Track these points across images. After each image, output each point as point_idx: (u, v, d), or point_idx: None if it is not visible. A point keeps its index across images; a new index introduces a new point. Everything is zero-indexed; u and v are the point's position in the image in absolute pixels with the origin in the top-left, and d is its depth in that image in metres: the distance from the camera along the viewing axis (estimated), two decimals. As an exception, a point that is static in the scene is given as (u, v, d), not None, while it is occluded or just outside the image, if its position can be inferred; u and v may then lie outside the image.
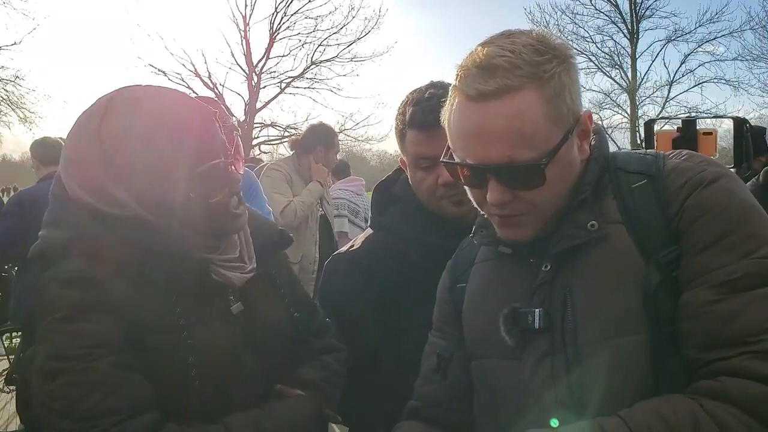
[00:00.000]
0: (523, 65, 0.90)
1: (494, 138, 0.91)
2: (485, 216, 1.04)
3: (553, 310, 0.96)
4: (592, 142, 1.02)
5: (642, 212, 0.94)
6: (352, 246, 1.58)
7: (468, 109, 0.93)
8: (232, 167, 1.11)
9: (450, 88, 1.01)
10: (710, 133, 2.35)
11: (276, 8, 19.15)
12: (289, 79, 19.74)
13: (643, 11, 18.17)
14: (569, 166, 0.96)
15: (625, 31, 18.34)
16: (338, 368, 1.33)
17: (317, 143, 3.83)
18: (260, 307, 1.20)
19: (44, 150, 3.83)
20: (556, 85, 0.92)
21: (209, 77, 19.03)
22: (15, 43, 15.87)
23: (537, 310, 0.96)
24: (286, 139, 16.84)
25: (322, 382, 1.27)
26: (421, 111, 1.39)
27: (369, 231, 1.59)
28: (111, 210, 1.05)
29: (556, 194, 0.96)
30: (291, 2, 19.11)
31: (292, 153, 3.97)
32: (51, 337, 0.98)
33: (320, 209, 4.00)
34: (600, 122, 16.21)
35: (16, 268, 4.26)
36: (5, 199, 6.64)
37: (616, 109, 19.43)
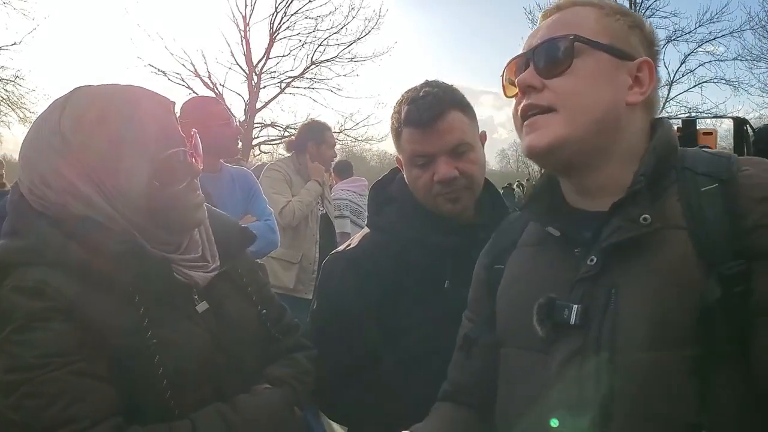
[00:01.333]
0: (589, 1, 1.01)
1: (542, 30, 1.00)
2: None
3: (592, 307, 0.90)
4: (656, 133, 0.98)
5: (709, 219, 0.87)
6: (349, 245, 1.57)
7: (540, 21, 1.04)
8: (193, 159, 1.11)
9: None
10: (710, 133, 2.35)
11: (276, 8, 19.15)
12: (289, 79, 19.73)
13: (643, 11, 18.12)
14: (608, 81, 0.95)
15: (625, 31, 18.33)
16: (308, 366, 1.32)
17: (308, 140, 3.83)
18: (226, 306, 1.19)
19: None
20: (622, 16, 1.00)
21: (209, 77, 19.02)
22: (15, 43, 15.86)
23: (575, 305, 0.91)
24: (286, 139, 16.81)
25: (291, 379, 1.26)
26: (417, 109, 1.40)
27: (366, 230, 1.59)
28: (72, 204, 1.03)
29: (586, 95, 0.94)
30: (291, 2, 19.11)
31: (291, 154, 3.98)
32: (6, 348, 0.96)
33: (321, 208, 3.99)
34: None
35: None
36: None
37: (616, 109, 19.32)
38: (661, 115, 1.05)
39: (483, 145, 1.51)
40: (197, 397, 1.09)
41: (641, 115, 0.99)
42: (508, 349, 1.05)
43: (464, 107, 1.44)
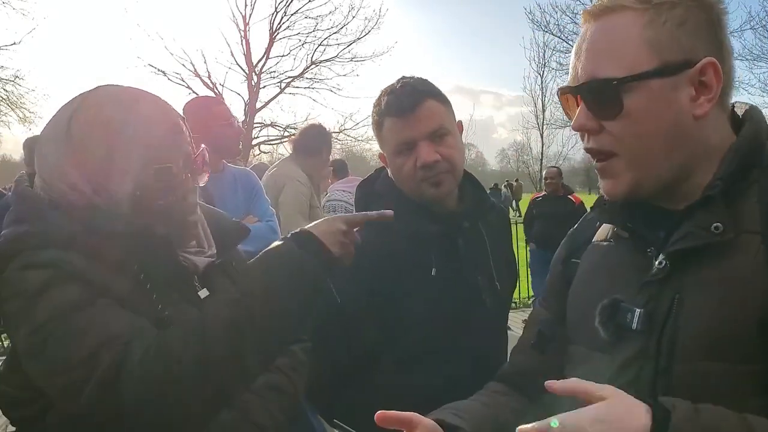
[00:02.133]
0: None
1: (585, 53, 0.90)
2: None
3: (656, 313, 0.86)
4: (743, 128, 0.90)
5: None
6: None
7: (582, 28, 0.93)
8: (188, 176, 1.11)
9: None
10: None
11: (276, 8, 19.16)
12: (289, 79, 19.75)
13: (643, 11, 18.15)
14: (666, 109, 0.85)
15: (625, 30, 18.34)
16: (303, 357, 1.33)
17: (323, 145, 3.78)
18: None
19: (29, 152, 3.80)
20: (667, 14, 0.86)
21: (209, 77, 19.04)
22: (15, 43, 15.88)
23: (638, 309, 0.86)
24: (286, 139, 16.82)
25: (288, 369, 1.27)
26: (396, 98, 1.46)
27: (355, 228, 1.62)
28: (70, 196, 1.05)
29: (645, 135, 0.86)
30: (291, 2, 19.12)
31: (292, 153, 3.91)
32: (22, 315, 0.97)
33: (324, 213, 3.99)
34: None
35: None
36: (5, 199, 6.60)
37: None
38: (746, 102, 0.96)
39: (461, 134, 1.57)
40: None
41: (716, 113, 0.89)
42: (575, 346, 1.01)
43: (440, 97, 1.51)
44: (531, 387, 1.07)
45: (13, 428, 1.12)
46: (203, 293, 1.16)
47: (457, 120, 1.57)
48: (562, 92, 0.95)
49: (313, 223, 1.12)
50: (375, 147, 1.66)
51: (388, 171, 1.57)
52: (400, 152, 1.48)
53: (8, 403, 1.10)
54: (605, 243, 1.03)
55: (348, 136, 19.97)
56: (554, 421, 0.76)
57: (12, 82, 16.83)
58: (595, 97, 0.88)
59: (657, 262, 0.88)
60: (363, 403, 1.48)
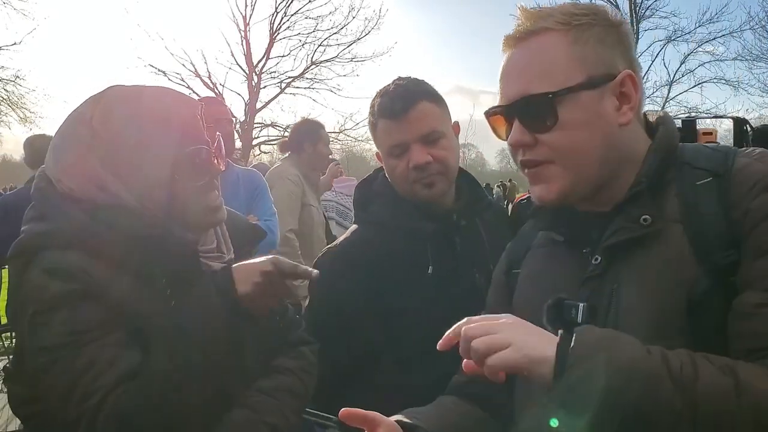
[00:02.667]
0: (556, 14, 0.94)
1: (514, 75, 0.97)
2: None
3: (598, 305, 0.92)
4: (658, 133, 0.98)
5: (703, 212, 0.89)
6: (337, 242, 1.65)
7: (505, 53, 0.99)
8: (216, 159, 1.14)
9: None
10: (710, 133, 2.35)
11: (276, 8, 19.17)
12: (289, 80, 19.75)
13: (643, 11, 18.17)
14: (596, 118, 0.93)
15: (625, 31, 18.33)
16: (312, 359, 1.35)
17: (304, 141, 3.70)
18: None
19: (31, 152, 3.75)
20: (588, 33, 0.94)
21: (209, 77, 19.05)
22: (15, 43, 15.89)
23: (581, 304, 0.92)
24: (280, 141, 16.76)
25: (299, 370, 1.30)
26: (389, 100, 1.47)
27: (354, 227, 1.64)
28: (96, 195, 1.06)
29: (579, 145, 0.93)
30: (291, 2, 19.13)
31: (293, 156, 3.87)
32: (39, 330, 0.99)
33: (327, 212, 3.98)
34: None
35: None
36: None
37: (616, 109, 19.34)
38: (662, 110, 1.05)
39: (457, 136, 1.57)
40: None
41: (635, 121, 0.98)
42: None
43: (434, 98, 1.51)
44: (484, 394, 1.13)
45: (13, 429, 1.13)
46: None
47: (453, 120, 1.57)
48: (492, 113, 1.00)
49: (255, 260, 1.11)
50: (374, 147, 1.70)
51: (384, 170, 1.59)
52: (393, 154, 1.49)
53: (17, 401, 1.11)
54: (543, 249, 1.09)
55: (348, 136, 19.99)
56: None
57: (12, 82, 16.85)
58: (530, 113, 0.94)
59: (593, 259, 0.95)
60: (363, 403, 1.49)
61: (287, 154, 3.85)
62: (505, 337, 0.81)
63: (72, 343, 0.98)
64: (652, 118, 1.05)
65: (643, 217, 0.91)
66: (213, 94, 17.41)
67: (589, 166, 0.95)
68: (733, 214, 0.87)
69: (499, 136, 1.02)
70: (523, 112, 0.95)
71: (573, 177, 0.95)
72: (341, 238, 1.64)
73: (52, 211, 1.08)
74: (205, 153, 1.11)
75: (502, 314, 0.87)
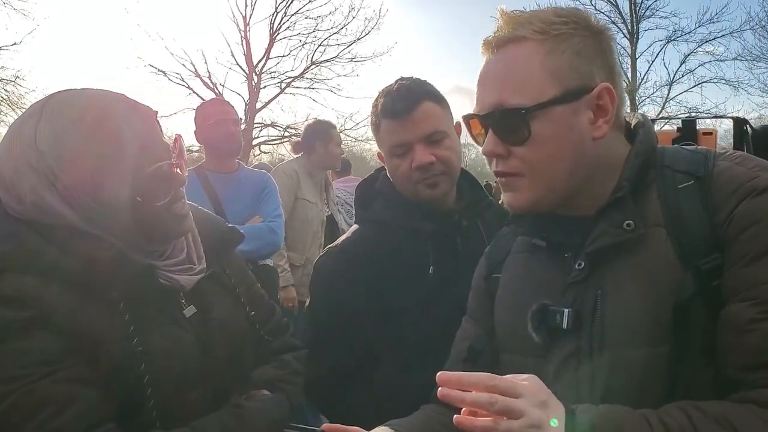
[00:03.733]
0: (535, 21, 0.92)
1: (491, 83, 0.96)
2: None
3: (583, 311, 0.92)
4: (638, 136, 0.98)
5: (686, 216, 0.89)
6: (338, 242, 1.65)
7: (483, 56, 0.99)
8: (177, 169, 1.09)
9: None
10: (710, 133, 2.35)
11: (276, 8, 19.12)
12: (289, 80, 19.70)
13: (643, 11, 18.14)
14: (569, 132, 0.92)
15: (625, 31, 18.28)
16: (297, 367, 1.31)
17: (315, 140, 3.82)
18: (214, 309, 1.18)
19: None
20: (565, 44, 0.92)
21: (209, 77, 19.00)
22: (15, 44, 15.86)
23: (566, 310, 0.93)
24: (286, 139, 16.83)
25: (281, 381, 1.25)
26: (391, 100, 1.48)
27: (354, 226, 1.65)
28: (47, 219, 1.00)
29: (551, 158, 0.93)
30: (291, 2, 19.09)
31: (300, 154, 3.96)
32: None
33: (327, 210, 3.99)
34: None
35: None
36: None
37: (616, 109, 19.33)
38: (660, 116, 1.05)
39: (459, 136, 1.58)
40: (183, 403, 1.08)
41: (612, 131, 0.96)
42: (509, 355, 1.05)
43: (437, 98, 1.51)
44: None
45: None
46: (189, 311, 1.13)
47: (455, 121, 1.57)
48: (469, 118, 1.00)
49: None
50: (375, 147, 1.69)
51: (386, 170, 1.59)
52: (396, 154, 1.49)
53: None
54: (524, 254, 1.08)
55: (348, 136, 19.93)
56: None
57: (12, 83, 16.81)
58: (504, 125, 0.93)
59: (576, 264, 0.94)
60: (363, 403, 1.49)
61: (300, 154, 3.91)
62: (522, 407, 0.79)
63: (23, 376, 0.92)
64: (632, 120, 1.04)
65: (626, 222, 0.90)
66: (213, 94, 17.41)
67: (557, 178, 0.95)
68: (716, 218, 0.87)
69: (476, 142, 1.02)
70: (497, 123, 0.94)
71: (541, 189, 0.95)
72: (342, 238, 1.64)
73: (3, 233, 1.01)
74: (166, 168, 1.06)
75: (526, 375, 0.84)
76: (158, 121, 1.11)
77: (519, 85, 0.92)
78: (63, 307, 0.96)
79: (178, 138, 1.11)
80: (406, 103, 1.46)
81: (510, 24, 0.95)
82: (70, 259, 0.98)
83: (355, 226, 1.65)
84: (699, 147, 1.00)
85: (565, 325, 0.92)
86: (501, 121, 0.94)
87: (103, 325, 0.99)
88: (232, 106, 3.08)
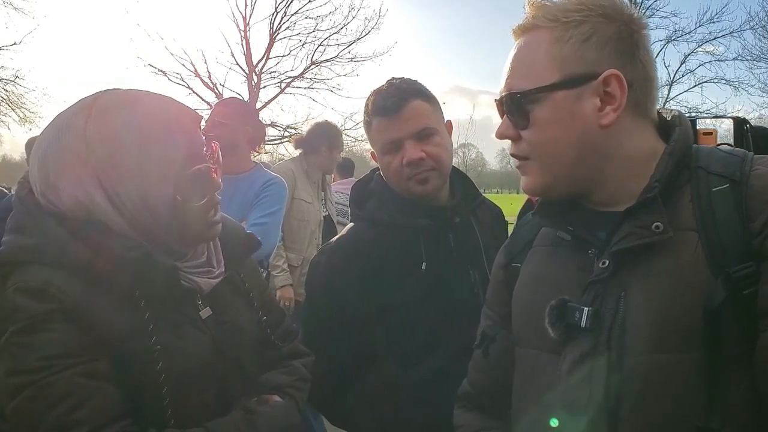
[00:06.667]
0: (551, 9, 0.95)
1: (506, 69, 1.00)
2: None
3: (603, 310, 0.90)
4: (673, 134, 0.95)
5: (719, 221, 0.85)
6: (332, 240, 1.68)
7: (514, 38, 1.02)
8: (215, 174, 1.11)
9: None
10: (710, 133, 2.34)
11: (276, 8, 19.11)
12: (289, 79, 19.69)
13: (643, 11, 18.11)
14: (570, 118, 0.92)
15: (625, 31, 18.29)
16: (305, 374, 1.32)
17: (321, 144, 3.80)
18: (229, 312, 1.19)
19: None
20: (573, 30, 0.92)
21: (209, 77, 18.99)
22: (15, 43, 15.86)
23: (586, 308, 0.90)
24: (287, 139, 16.81)
25: (290, 387, 1.26)
26: (382, 99, 1.52)
27: (350, 225, 1.68)
28: (81, 214, 1.02)
29: (554, 142, 0.94)
30: (291, 2, 19.08)
31: (299, 153, 3.94)
32: (11, 350, 0.95)
33: (324, 210, 3.98)
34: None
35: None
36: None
37: (616, 109, 19.31)
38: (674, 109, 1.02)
39: (450, 134, 1.61)
40: (196, 403, 1.09)
41: (630, 121, 0.94)
42: (524, 349, 1.04)
43: (426, 97, 1.55)
44: (497, 406, 1.11)
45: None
46: (205, 313, 1.15)
47: (448, 119, 1.60)
48: (497, 101, 1.03)
49: None
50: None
51: (379, 168, 1.62)
52: (387, 151, 1.53)
53: None
54: (547, 247, 1.07)
55: (348, 136, 19.89)
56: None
57: (12, 82, 16.81)
58: (511, 109, 0.96)
59: (600, 263, 0.92)
60: (359, 399, 1.50)
61: (298, 152, 3.89)
62: None
63: (45, 368, 0.93)
64: (667, 117, 1.01)
65: (655, 224, 0.88)
66: (213, 94, 17.41)
67: (561, 164, 0.95)
68: (751, 227, 0.84)
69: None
70: (507, 107, 0.98)
71: (547, 174, 0.97)
72: (337, 236, 1.67)
73: (31, 224, 1.03)
74: (205, 170, 1.09)
75: None
76: (201, 127, 1.13)
77: (525, 70, 0.96)
78: (86, 302, 0.98)
79: (215, 145, 1.14)
80: (396, 100, 1.50)
81: (531, 12, 0.98)
82: (96, 256, 1.00)
83: (350, 225, 1.67)
84: (736, 149, 0.97)
85: (583, 324, 0.90)
86: (510, 105, 0.97)
87: (124, 322, 1.01)
88: (250, 105, 3.01)
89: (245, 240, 1.32)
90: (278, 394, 1.23)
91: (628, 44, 0.93)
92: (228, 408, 1.13)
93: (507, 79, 0.99)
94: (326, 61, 19.60)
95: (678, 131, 0.95)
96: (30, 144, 3.86)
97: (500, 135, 1.00)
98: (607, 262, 0.92)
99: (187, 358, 1.07)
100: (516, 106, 0.95)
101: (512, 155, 1.01)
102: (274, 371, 1.28)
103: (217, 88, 18.95)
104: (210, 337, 1.13)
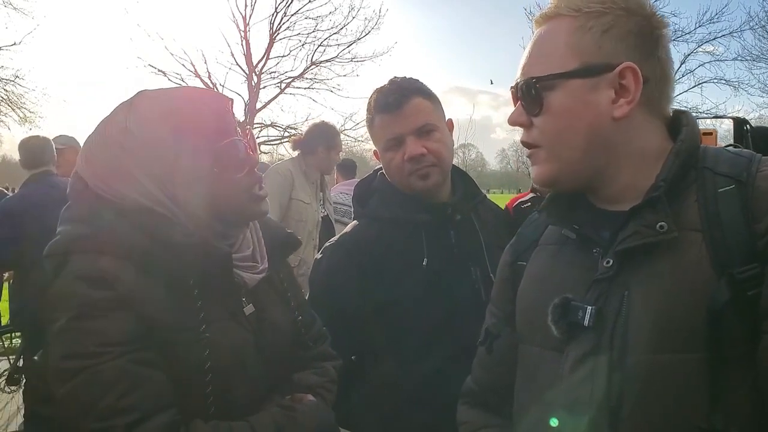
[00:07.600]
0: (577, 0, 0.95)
1: (525, 56, 1.00)
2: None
3: (606, 309, 0.90)
4: (681, 134, 0.95)
5: (725, 222, 0.85)
6: (334, 238, 1.70)
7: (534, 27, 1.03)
8: (250, 150, 1.15)
9: None
10: (710, 133, 2.35)
11: (276, 8, 19.12)
12: (289, 80, 19.70)
13: (643, 11, 18.12)
14: (583, 107, 0.93)
15: (625, 31, 18.32)
16: (335, 375, 1.34)
17: (318, 144, 3.80)
18: (268, 310, 1.22)
19: (25, 153, 3.72)
20: (594, 21, 0.93)
21: (209, 77, 19.01)
22: (15, 43, 15.85)
23: (589, 307, 0.90)
24: (287, 140, 16.82)
25: (321, 388, 1.28)
26: (383, 96, 1.56)
27: (353, 222, 1.70)
28: (131, 198, 1.06)
29: (565, 130, 0.94)
30: (291, 2, 19.08)
31: (297, 153, 3.94)
32: (67, 335, 0.97)
33: (323, 210, 3.98)
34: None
35: (5, 275, 4.41)
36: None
37: (616, 109, 19.33)
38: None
39: (451, 132, 1.64)
40: (235, 397, 1.10)
41: (642, 117, 0.94)
42: (527, 346, 1.05)
43: (427, 95, 1.59)
44: (501, 403, 1.11)
45: (13, 429, 1.12)
46: (249, 309, 1.17)
47: (447, 118, 1.63)
48: (512, 88, 1.03)
49: None
50: (374, 147, 1.75)
51: (382, 166, 1.64)
52: (389, 147, 1.55)
53: (35, 397, 1.11)
54: (552, 246, 1.07)
55: (348, 136, 19.92)
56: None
57: (12, 82, 16.80)
58: (525, 95, 0.96)
59: (605, 262, 0.92)
60: (361, 395, 1.51)
61: (297, 153, 3.90)
62: None
63: (101, 354, 0.96)
64: (679, 117, 1.01)
65: (660, 224, 0.87)
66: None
67: (571, 153, 0.95)
68: (756, 228, 0.84)
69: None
70: (522, 93, 0.98)
71: (557, 163, 0.97)
72: (340, 233, 1.68)
73: (89, 214, 1.07)
74: (240, 144, 1.12)
75: None
76: (233, 110, 1.18)
77: (543, 57, 0.96)
78: (142, 291, 1.01)
79: (248, 130, 1.19)
80: (398, 97, 1.53)
81: (554, 1, 0.98)
82: (153, 243, 1.03)
83: (353, 222, 1.69)
84: (744, 150, 0.97)
85: (585, 322, 0.90)
86: (525, 91, 0.97)
87: (177, 311, 1.03)
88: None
89: (286, 238, 1.34)
90: (311, 393, 1.25)
91: (647, 40, 0.94)
92: (263, 404, 1.15)
93: (524, 65, 0.99)
94: (326, 61, 19.62)
95: (685, 131, 0.95)
96: (24, 144, 3.78)
97: (512, 121, 1.00)
98: (612, 261, 0.92)
99: (233, 351, 1.09)
100: (531, 92, 0.96)
101: (522, 143, 1.02)
102: (307, 371, 1.29)
103: (217, 89, 18.95)
104: (252, 334, 1.15)
